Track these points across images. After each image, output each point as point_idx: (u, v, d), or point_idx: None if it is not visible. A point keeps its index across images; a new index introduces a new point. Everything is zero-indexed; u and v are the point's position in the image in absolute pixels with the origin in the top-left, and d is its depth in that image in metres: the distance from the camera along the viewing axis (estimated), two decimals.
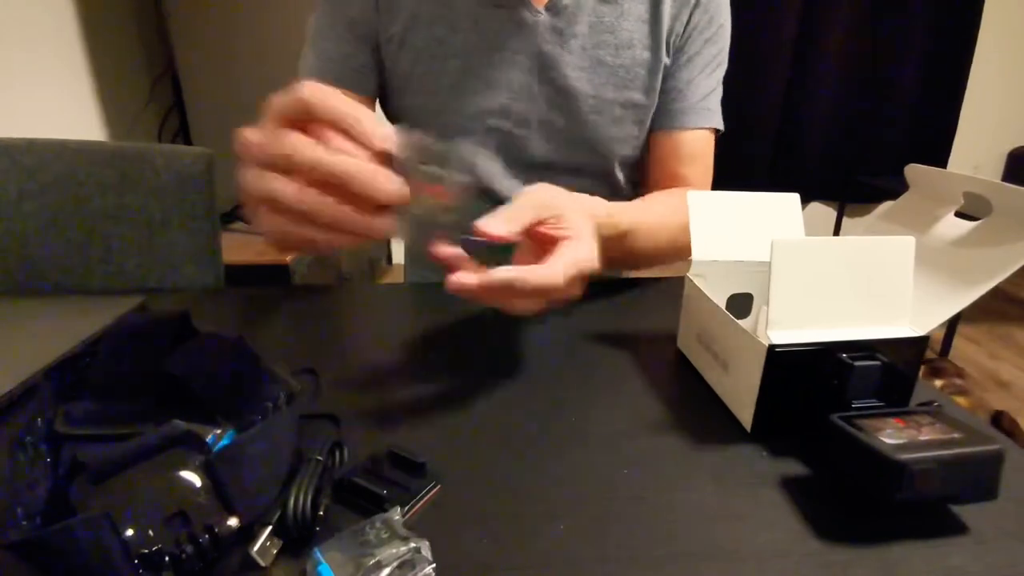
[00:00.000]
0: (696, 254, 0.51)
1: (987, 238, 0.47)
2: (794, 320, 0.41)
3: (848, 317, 0.42)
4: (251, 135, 0.35)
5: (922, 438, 0.36)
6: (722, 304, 0.51)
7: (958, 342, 2.29)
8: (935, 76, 2.85)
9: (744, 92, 2.60)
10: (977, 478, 0.36)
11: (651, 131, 0.79)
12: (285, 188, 0.34)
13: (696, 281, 0.52)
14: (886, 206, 0.56)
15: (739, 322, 0.45)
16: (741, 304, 0.54)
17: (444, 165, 0.37)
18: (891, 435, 0.36)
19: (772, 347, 0.40)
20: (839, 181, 2.92)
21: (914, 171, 0.54)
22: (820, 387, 0.41)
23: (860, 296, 0.42)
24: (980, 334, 2.40)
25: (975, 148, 3.08)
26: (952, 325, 2.23)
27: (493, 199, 0.45)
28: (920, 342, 0.42)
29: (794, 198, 0.53)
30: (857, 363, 0.40)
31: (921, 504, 0.37)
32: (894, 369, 0.41)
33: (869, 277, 0.42)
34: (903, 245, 0.42)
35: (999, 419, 1.59)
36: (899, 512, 0.37)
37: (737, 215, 0.52)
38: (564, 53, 0.71)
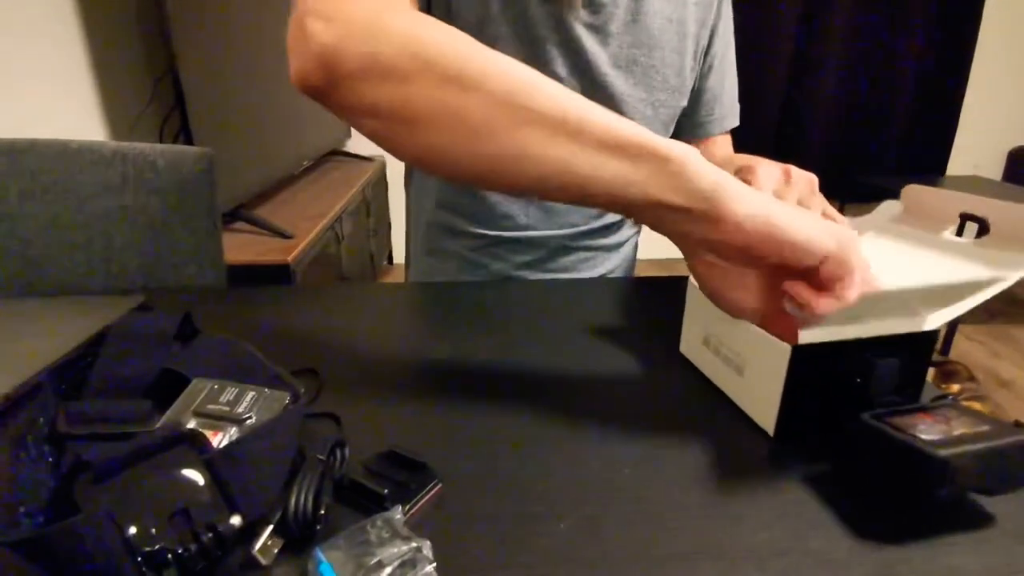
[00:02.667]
0: None
1: (992, 246, 0.46)
2: (820, 327, 0.41)
3: (864, 315, 0.42)
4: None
5: (955, 432, 0.36)
6: None
7: (958, 340, 2.29)
8: (935, 76, 2.85)
9: (744, 92, 2.61)
10: (1010, 470, 0.36)
11: (682, 137, 0.81)
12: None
13: None
14: (884, 207, 0.55)
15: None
16: None
17: None
18: (926, 431, 0.36)
19: (796, 346, 0.40)
20: (839, 181, 2.92)
21: (911, 192, 0.53)
22: (843, 386, 0.41)
23: (887, 299, 0.41)
24: (980, 333, 2.40)
25: (975, 147, 3.08)
26: (952, 324, 2.23)
27: None
28: (932, 337, 0.43)
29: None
30: (880, 360, 0.40)
31: (957, 499, 0.37)
32: (912, 365, 0.41)
33: (922, 298, 0.42)
34: (983, 285, 0.41)
35: None
36: (935, 509, 0.37)
37: None
38: (600, 51, 0.71)
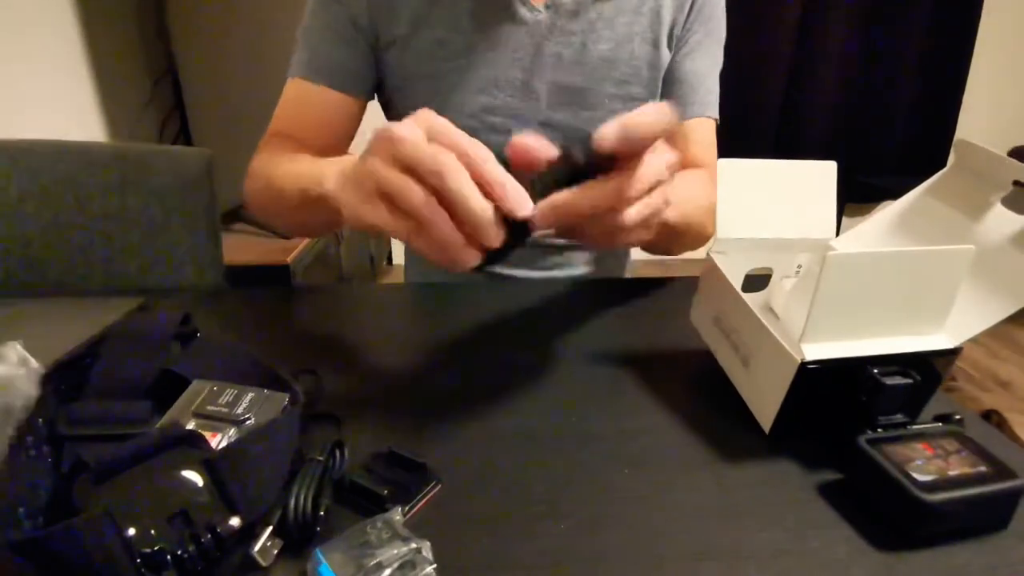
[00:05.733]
0: (721, 231, 0.48)
1: None
2: (829, 334, 0.40)
3: (884, 327, 0.41)
4: (404, 131, 0.36)
5: (951, 472, 0.36)
6: (740, 280, 0.50)
7: None
8: (935, 76, 2.85)
9: (743, 91, 2.61)
10: (996, 512, 0.36)
11: None
12: (416, 195, 0.35)
13: (717, 259, 0.49)
14: (927, 184, 0.52)
15: (753, 295, 0.43)
16: (758, 277, 0.52)
17: None
18: (920, 468, 0.36)
19: (804, 363, 0.39)
20: (839, 181, 2.91)
21: (962, 146, 0.49)
22: (847, 400, 0.40)
23: (901, 306, 0.41)
24: (980, 332, 2.39)
25: None
26: None
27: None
28: (953, 353, 0.41)
29: (830, 167, 0.50)
30: (888, 381, 0.39)
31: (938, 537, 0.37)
32: (925, 383, 0.40)
33: (916, 288, 0.40)
34: (959, 256, 0.40)
35: (987, 419, 1.58)
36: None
37: (769, 185, 0.49)
38: (564, 50, 0.72)
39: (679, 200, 0.61)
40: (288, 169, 0.62)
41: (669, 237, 0.65)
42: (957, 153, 0.50)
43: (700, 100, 0.78)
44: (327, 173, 0.48)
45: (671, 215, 0.57)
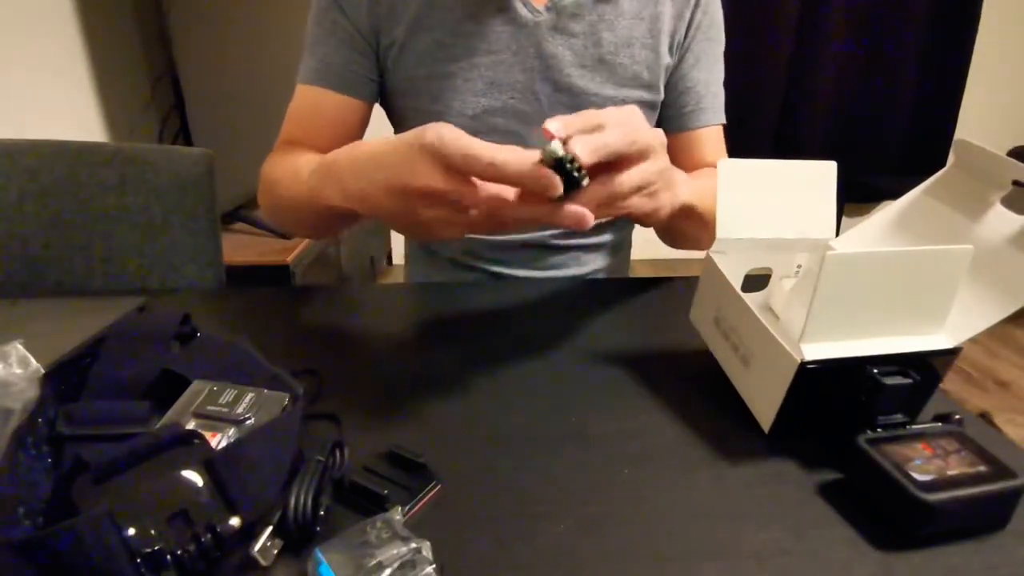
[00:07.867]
0: (721, 231, 0.48)
1: None
2: (829, 333, 0.40)
3: (884, 327, 0.41)
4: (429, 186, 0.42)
5: (950, 472, 0.36)
6: (740, 280, 0.50)
7: None
8: (934, 76, 2.85)
9: (743, 91, 2.61)
10: (996, 511, 0.36)
11: (669, 133, 0.80)
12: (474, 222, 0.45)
13: (717, 259, 0.49)
14: (927, 184, 0.52)
15: (753, 295, 0.43)
16: (758, 277, 0.53)
17: None
18: (919, 468, 0.36)
19: (804, 363, 0.39)
20: (839, 181, 2.91)
21: (962, 146, 0.49)
22: (847, 400, 0.41)
23: (900, 306, 0.41)
24: (979, 332, 2.38)
25: None
26: None
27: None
28: (953, 353, 0.41)
29: (830, 167, 0.51)
30: (888, 381, 0.39)
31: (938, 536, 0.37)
32: (924, 383, 0.40)
33: (915, 288, 0.40)
34: (958, 256, 0.40)
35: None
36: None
37: (769, 185, 0.49)
38: (565, 52, 0.72)
39: (701, 189, 0.61)
40: (293, 180, 0.64)
41: (692, 223, 0.64)
42: (957, 153, 0.50)
43: (710, 107, 0.79)
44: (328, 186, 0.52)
45: (692, 199, 0.58)
